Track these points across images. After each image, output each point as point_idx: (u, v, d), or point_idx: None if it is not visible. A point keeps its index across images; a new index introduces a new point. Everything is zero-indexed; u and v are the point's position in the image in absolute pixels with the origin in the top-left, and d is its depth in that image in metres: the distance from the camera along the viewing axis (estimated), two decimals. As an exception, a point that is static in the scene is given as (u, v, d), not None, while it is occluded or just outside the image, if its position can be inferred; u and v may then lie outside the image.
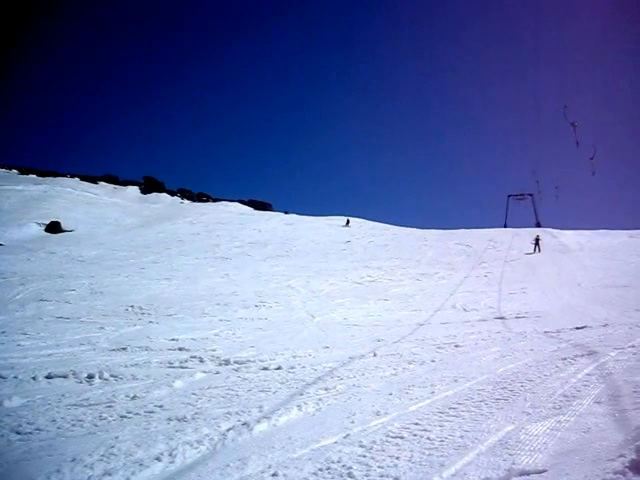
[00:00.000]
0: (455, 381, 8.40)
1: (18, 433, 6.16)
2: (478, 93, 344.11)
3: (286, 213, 74.91)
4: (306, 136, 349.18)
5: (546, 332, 13.73)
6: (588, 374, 8.34)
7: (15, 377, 9.15)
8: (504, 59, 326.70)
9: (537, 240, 42.92)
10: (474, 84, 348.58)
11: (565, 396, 7.03)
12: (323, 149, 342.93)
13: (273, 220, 61.05)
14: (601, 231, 51.83)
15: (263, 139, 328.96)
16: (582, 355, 10.03)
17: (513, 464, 4.63)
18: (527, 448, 5.05)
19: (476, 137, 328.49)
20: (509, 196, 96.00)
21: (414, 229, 57.09)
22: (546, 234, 49.59)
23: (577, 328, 14.25)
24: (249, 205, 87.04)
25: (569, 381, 7.91)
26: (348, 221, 57.93)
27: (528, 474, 4.40)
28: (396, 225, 60.65)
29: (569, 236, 49.34)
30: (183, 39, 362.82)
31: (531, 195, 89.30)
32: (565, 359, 9.71)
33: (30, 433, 6.16)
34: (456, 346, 12.14)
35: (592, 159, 26.22)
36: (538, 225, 70.41)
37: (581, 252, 40.13)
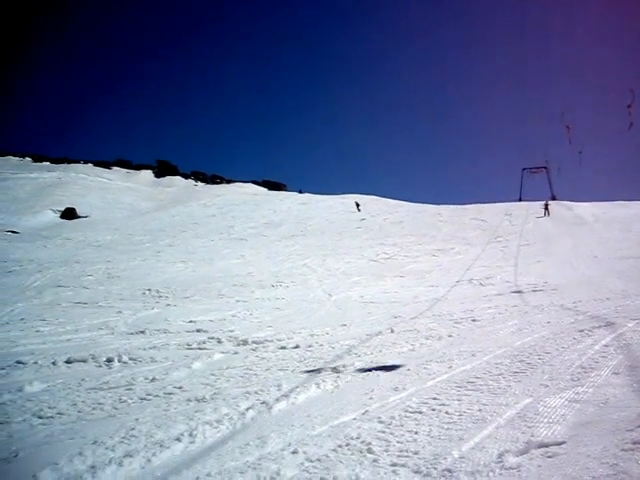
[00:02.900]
0: (473, 355, 8.41)
1: (40, 417, 6.25)
2: (493, 67, 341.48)
3: (300, 192, 74.79)
4: (319, 115, 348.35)
5: (563, 305, 13.67)
6: (606, 345, 8.31)
7: (35, 362, 9.27)
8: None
9: (546, 205, 46.43)
10: (490, 59, 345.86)
11: (583, 368, 7.01)
12: (335, 127, 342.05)
13: (287, 200, 61.10)
14: (617, 202, 51.37)
15: (276, 119, 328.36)
16: (599, 327, 9.99)
17: (532, 436, 4.64)
18: (546, 420, 5.05)
19: (489, 110, 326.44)
20: (523, 169, 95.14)
21: (428, 205, 56.82)
22: (561, 206, 49.40)
23: (594, 300, 14.19)
24: (263, 186, 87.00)
25: (587, 353, 7.88)
26: (358, 205, 54.41)
27: (547, 446, 4.40)
28: (410, 202, 60.46)
29: (585, 208, 48.99)
30: (192, 20, 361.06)
31: (546, 168, 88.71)
32: (582, 331, 9.67)
33: (52, 417, 6.25)
34: (473, 320, 12.13)
35: (630, 107, 24.49)
36: (553, 198, 69.77)
37: (597, 224, 39.87)
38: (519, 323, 11.43)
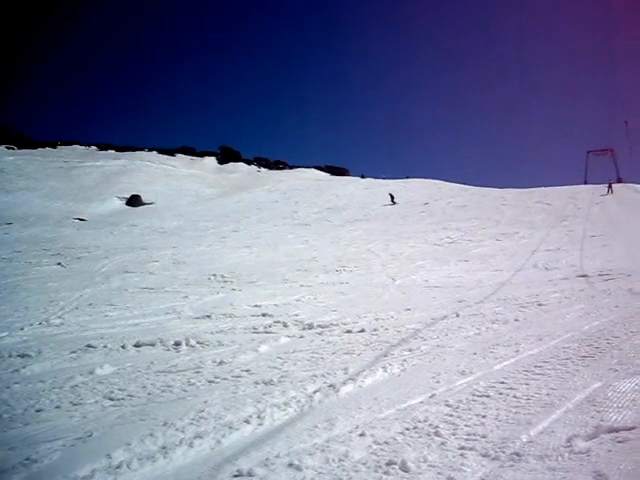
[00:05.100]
0: (540, 339, 8.35)
1: (111, 399, 6.41)
2: (561, 52, 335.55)
3: (363, 177, 74.62)
4: (381, 100, 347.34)
5: (631, 289, 13.43)
6: (678, 330, 8.19)
7: (105, 346, 9.46)
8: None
9: (610, 184, 48.04)
10: (557, 44, 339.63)
11: (654, 352, 6.93)
12: (397, 112, 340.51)
13: (350, 185, 61.08)
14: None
15: (338, 104, 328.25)
16: (670, 311, 9.83)
17: (601, 421, 4.61)
18: (615, 405, 5.02)
19: (553, 93, 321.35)
20: (588, 152, 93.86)
21: (492, 189, 56.02)
22: (628, 189, 48.38)
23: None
24: (325, 171, 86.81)
25: (657, 337, 7.78)
26: (392, 197, 49.35)
27: (617, 431, 4.38)
28: (474, 186, 59.80)
29: (652, 191, 47.95)
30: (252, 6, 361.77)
31: (612, 150, 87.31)
32: (653, 315, 9.53)
33: (122, 399, 6.40)
34: (539, 305, 12.00)
35: (627, 122, 24.43)
36: (619, 181, 68.42)
37: (666, 207, 38.97)
38: (586, 307, 11.29)
